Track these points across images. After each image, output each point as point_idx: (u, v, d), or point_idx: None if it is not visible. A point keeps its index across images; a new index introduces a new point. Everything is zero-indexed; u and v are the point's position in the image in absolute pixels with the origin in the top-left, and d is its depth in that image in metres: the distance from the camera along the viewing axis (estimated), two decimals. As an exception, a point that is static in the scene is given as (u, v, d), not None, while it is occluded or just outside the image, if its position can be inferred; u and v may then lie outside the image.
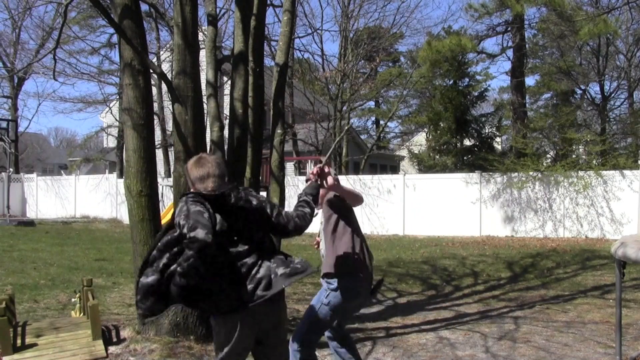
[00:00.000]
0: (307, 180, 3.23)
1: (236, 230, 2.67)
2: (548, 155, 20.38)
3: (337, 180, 3.35)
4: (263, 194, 3.97)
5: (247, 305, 2.63)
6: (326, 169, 3.22)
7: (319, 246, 3.62)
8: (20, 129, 26.95)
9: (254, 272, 2.65)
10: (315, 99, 21.22)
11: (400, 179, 16.17)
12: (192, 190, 2.73)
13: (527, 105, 23.22)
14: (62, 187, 21.66)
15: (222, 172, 2.75)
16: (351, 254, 3.41)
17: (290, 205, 4.40)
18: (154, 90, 20.48)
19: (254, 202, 2.75)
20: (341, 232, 3.45)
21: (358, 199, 3.52)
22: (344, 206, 3.51)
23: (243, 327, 2.68)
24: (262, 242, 2.77)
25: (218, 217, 2.62)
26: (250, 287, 2.63)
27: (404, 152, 30.74)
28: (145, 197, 4.62)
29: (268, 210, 2.79)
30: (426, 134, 27.73)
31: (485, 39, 21.26)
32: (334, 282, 3.39)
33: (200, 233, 2.35)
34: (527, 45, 22.25)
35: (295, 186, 15.60)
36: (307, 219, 2.89)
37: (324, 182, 3.22)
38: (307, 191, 3.08)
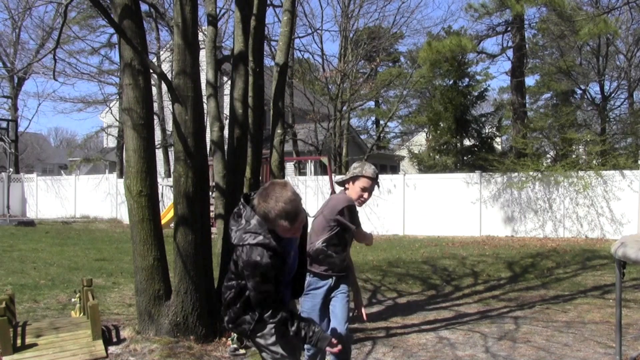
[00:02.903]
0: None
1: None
2: (548, 155, 20.38)
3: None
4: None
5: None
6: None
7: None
8: (20, 129, 26.95)
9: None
10: (315, 99, 21.23)
11: (400, 178, 16.17)
12: None
13: (527, 105, 23.23)
14: (62, 187, 21.65)
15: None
16: None
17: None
18: (154, 90, 20.49)
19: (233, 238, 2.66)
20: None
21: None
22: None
23: None
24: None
25: None
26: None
27: (404, 152, 30.75)
28: (145, 197, 4.62)
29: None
30: (426, 134, 27.77)
31: (485, 39, 21.28)
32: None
33: None
34: (527, 45, 22.23)
35: (295, 186, 15.58)
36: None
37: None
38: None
